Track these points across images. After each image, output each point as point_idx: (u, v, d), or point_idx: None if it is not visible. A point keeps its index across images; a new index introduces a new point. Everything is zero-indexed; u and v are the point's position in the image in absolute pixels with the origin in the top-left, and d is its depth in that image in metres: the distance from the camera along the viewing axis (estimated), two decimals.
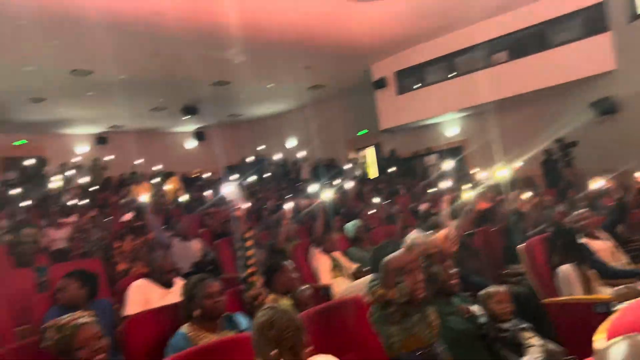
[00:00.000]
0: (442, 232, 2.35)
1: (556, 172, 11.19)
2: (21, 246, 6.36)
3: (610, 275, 3.65)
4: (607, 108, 11.22)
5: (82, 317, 2.06)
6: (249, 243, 3.04)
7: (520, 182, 10.86)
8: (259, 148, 17.94)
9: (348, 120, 17.04)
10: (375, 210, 8.43)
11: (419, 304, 2.37)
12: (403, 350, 2.24)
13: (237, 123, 19.54)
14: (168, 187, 11.84)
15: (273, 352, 1.71)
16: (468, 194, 3.27)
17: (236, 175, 14.14)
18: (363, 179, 14.55)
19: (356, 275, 5.31)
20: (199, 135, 19.59)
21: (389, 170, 14.56)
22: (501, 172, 5.35)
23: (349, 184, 10.85)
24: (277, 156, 17.71)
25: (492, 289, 2.93)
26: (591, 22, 11.54)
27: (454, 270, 2.77)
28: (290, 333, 1.77)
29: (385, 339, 2.28)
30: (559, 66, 11.50)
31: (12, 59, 10.03)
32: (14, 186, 12.64)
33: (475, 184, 5.10)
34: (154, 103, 15.08)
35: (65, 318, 2.05)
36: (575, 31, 11.91)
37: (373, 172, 16.93)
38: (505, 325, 2.69)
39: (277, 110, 18.65)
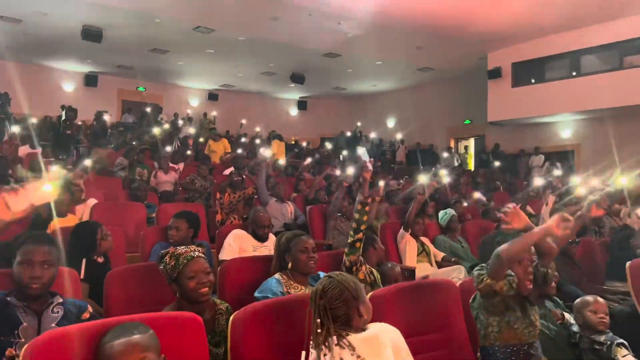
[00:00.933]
0: (554, 218, 2.25)
1: None
2: (135, 183, 7.02)
3: None
4: None
5: (197, 251, 2.26)
6: (367, 208, 3.12)
7: (634, 196, 10.01)
8: (358, 124, 17.98)
9: (453, 108, 16.52)
10: (470, 203, 8.19)
11: (523, 299, 2.34)
12: (498, 342, 2.23)
13: (340, 96, 19.68)
14: (271, 149, 12.26)
15: (317, 321, 1.76)
16: (583, 196, 3.06)
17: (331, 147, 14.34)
18: (461, 170, 14.13)
19: (441, 264, 5.27)
20: (302, 104, 20.03)
21: (491, 164, 13.99)
22: (620, 181, 4.97)
23: (447, 173, 10.58)
24: (375, 134, 17.65)
25: (589, 297, 2.80)
26: None
27: (555, 274, 2.66)
28: (340, 303, 1.80)
29: (483, 327, 2.27)
30: None
31: (144, 8, 10.76)
32: (132, 128, 13.81)
33: (590, 190, 4.76)
34: (265, 67, 15.58)
35: (182, 248, 2.26)
36: None
37: (472, 164, 16.37)
38: (601, 338, 2.56)
39: (381, 89, 18.50)
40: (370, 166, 3.20)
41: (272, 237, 4.30)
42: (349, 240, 3.24)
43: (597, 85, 11.84)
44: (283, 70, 15.67)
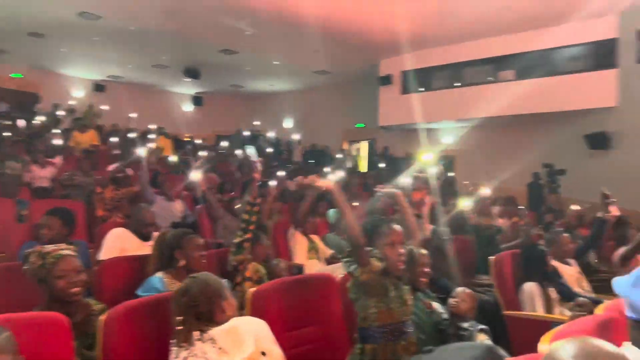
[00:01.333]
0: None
1: (540, 196, 11.38)
2: (5, 177, 6.38)
3: (571, 299, 3.79)
4: (600, 142, 11.42)
5: (66, 249, 2.12)
6: (256, 208, 3.12)
7: (503, 199, 11.05)
8: (255, 123, 17.91)
9: (347, 111, 17.07)
10: (358, 203, 8.51)
11: (397, 280, 2.47)
12: (376, 322, 2.34)
13: (238, 94, 19.46)
14: (157, 145, 11.76)
15: (178, 319, 1.83)
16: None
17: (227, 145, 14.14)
18: (353, 171, 14.63)
19: (330, 261, 5.42)
20: (197, 99, 19.49)
21: (380, 166, 14.65)
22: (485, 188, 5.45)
23: (339, 174, 10.91)
24: (271, 134, 17.70)
25: (459, 289, 3.06)
26: (600, 57, 11.68)
27: (427, 269, 2.87)
28: (202, 300, 1.87)
29: (362, 310, 2.37)
30: (562, 94, 11.64)
31: None
32: (3, 117, 12.53)
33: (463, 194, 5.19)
34: (158, 60, 14.96)
35: (50, 247, 2.11)
36: (583, 63, 12.05)
37: (364, 166, 17.02)
38: (465, 325, 2.81)
39: (279, 89, 18.61)
40: (259, 166, 3.23)
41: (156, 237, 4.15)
42: (235, 240, 3.23)
43: (476, 96, 12.90)
44: (177, 64, 15.16)
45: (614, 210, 4.55)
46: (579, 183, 11.20)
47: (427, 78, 14.37)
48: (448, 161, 14.47)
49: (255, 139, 16.73)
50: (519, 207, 9.71)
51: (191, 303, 1.86)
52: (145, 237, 4.09)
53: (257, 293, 2.27)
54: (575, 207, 8.81)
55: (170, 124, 16.02)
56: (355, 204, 8.43)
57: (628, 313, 1.38)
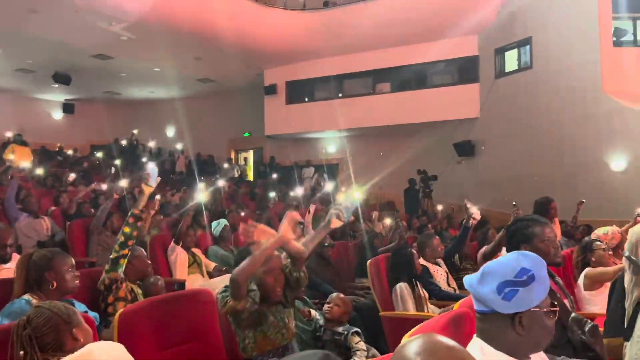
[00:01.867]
0: (284, 224, 2.44)
1: (416, 200, 12.16)
2: None
3: (440, 297, 4.10)
4: (466, 150, 12.51)
5: None
6: (140, 223, 2.93)
7: (382, 204, 11.65)
8: (134, 132, 17.01)
9: (233, 120, 16.90)
10: (244, 213, 8.45)
11: (273, 306, 2.44)
12: (256, 352, 2.31)
13: (114, 101, 18.35)
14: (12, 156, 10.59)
15: (20, 353, 1.71)
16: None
17: (101, 155, 13.31)
18: (240, 181, 14.51)
19: (213, 274, 5.30)
20: (68, 107, 18.05)
21: (268, 176, 14.71)
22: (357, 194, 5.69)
23: (224, 184, 10.76)
24: (153, 143, 16.95)
25: (334, 294, 3.15)
26: (465, 72, 12.85)
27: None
28: (48, 330, 1.76)
29: (241, 341, 2.33)
30: (433, 106, 12.59)
31: None
32: None
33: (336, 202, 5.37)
34: (22, 63, 13.63)
35: None
36: (451, 77, 13.18)
37: (251, 175, 16.95)
38: (339, 329, 2.90)
39: (160, 96, 17.88)
40: (151, 181, 3.05)
41: (17, 258, 3.76)
42: (111, 256, 3.03)
43: (357, 107, 13.48)
44: (44, 69, 13.92)
45: (477, 215, 4.97)
46: (449, 187, 12.16)
47: (311, 89, 14.74)
48: (332, 169, 14.94)
49: (133, 149, 15.91)
50: (396, 211, 10.32)
51: (34, 335, 1.71)
52: (2, 259, 3.69)
53: (124, 314, 2.15)
54: (440, 207, 9.55)
55: (37, 133, 14.66)
56: (242, 213, 8.36)
57: (475, 307, 1.51)
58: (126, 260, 3.06)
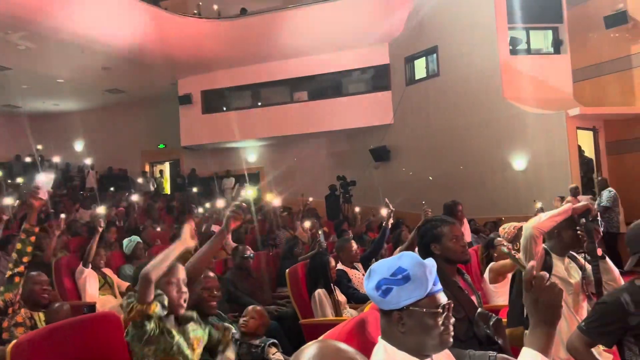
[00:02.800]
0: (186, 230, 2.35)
1: (337, 206, 12.34)
2: None
3: (358, 301, 4.17)
4: (382, 155, 12.91)
5: None
6: (32, 238, 2.68)
7: (304, 212, 11.70)
8: (38, 147, 15.86)
9: (147, 131, 16.26)
10: (160, 229, 8.15)
11: (179, 320, 2.32)
12: None
13: (14, 115, 16.99)
14: None
15: None
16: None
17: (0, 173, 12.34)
18: (156, 195, 13.97)
19: (125, 294, 5.04)
20: None
21: (187, 188, 14.30)
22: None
23: (138, 198, 10.30)
24: (59, 159, 15.90)
25: (249, 307, 3.10)
26: (378, 80, 13.28)
27: (218, 293, 2.81)
28: None
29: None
30: (349, 113, 12.89)
31: None
32: None
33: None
34: None
35: None
36: (365, 85, 13.58)
37: (168, 188, 16.38)
38: (256, 342, 2.86)
39: (66, 109, 16.84)
40: (41, 193, 2.80)
41: None
42: (6, 275, 2.78)
43: (275, 116, 13.49)
44: None
45: (387, 215, 5.13)
46: (367, 192, 12.47)
47: (228, 98, 14.56)
48: (253, 178, 14.82)
49: (36, 166, 14.83)
50: (319, 218, 10.40)
51: None
52: None
53: (17, 345, 1.98)
54: (357, 209, 9.75)
55: None
56: (158, 229, 8.04)
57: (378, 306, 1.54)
58: (22, 279, 2.83)
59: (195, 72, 13.87)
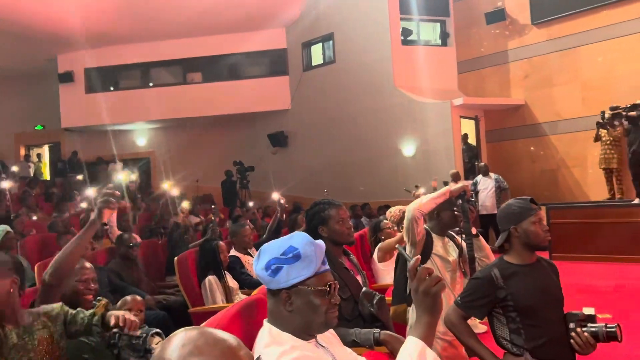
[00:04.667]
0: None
1: (233, 192, 12.13)
2: None
3: (251, 286, 4.10)
4: (280, 141, 12.88)
5: None
6: None
7: (200, 198, 11.38)
8: None
9: (21, 112, 14.68)
10: (36, 217, 7.45)
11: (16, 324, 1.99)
12: None
13: None
14: None
15: None
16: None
17: None
18: (32, 181, 12.74)
19: None
20: None
21: (68, 173, 13.20)
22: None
23: (11, 184, 9.32)
24: None
25: (127, 297, 2.92)
26: (275, 64, 13.18)
27: (95, 285, 2.60)
28: None
29: None
30: (246, 97, 12.65)
31: None
32: None
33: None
34: None
35: None
36: (262, 69, 13.40)
37: (47, 174, 15.04)
38: (137, 332, 2.69)
39: None
40: None
41: None
42: None
43: (167, 97, 12.87)
44: None
45: (280, 200, 5.13)
46: (266, 177, 12.39)
47: (114, 77, 13.64)
48: (144, 163, 14.10)
49: None
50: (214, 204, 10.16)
51: None
52: None
53: None
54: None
55: None
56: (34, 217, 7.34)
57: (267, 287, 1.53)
58: None
59: (77, 47, 12.76)
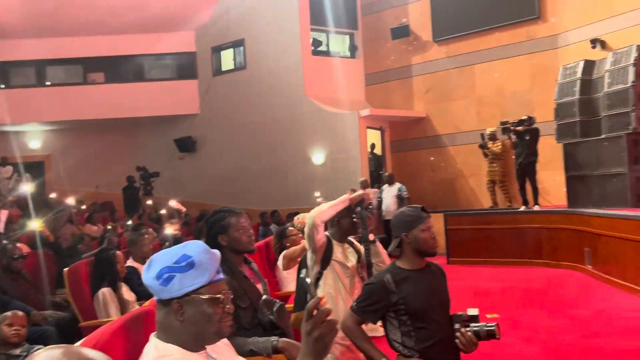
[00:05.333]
0: None
1: (135, 199, 11.60)
2: None
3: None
4: (188, 146, 12.54)
5: None
6: None
7: (99, 205, 10.76)
8: None
9: None
10: None
11: None
12: None
13: None
14: None
15: None
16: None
17: None
18: None
19: None
20: None
21: None
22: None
23: None
24: None
25: (8, 312, 2.69)
26: (183, 68, 12.84)
27: None
28: None
29: None
30: (152, 100, 12.17)
31: None
32: None
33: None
34: None
35: None
36: (170, 72, 13.00)
37: None
38: (17, 351, 2.49)
39: None
40: None
41: None
42: None
43: (65, 97, 12.04)
44: None
45: (177, 207, 4.99)
46: (172, 184, 11.99)
47: (5, 74, 12.55)
48: (38, 167, 13.10)
49: None
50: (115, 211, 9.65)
51: None
52: None
53: None
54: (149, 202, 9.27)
55: None
56: None
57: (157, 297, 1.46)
58: None
59: None
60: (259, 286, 2.58)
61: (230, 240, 2.39)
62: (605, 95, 6.81)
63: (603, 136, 6.82)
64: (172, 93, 12.48)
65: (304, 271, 2.69)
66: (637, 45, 6.69)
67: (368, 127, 10.76)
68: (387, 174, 9.85)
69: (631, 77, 6.46)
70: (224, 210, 2.52)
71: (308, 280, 2.47)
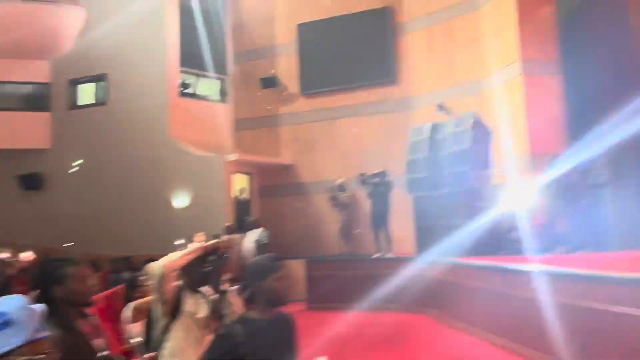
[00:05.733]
0: None
1: None
2: None
3: None
4: (34, 183, 11.34)
5: None
6: None
7: None
8: None
9: None
10: None
11: None
12: None
13: None
14: None
15: None
16: None
17: None
18: None
19: None
20: None
21: None
22: None
23: None
24: None
25: None
26: (35, 99, 11.76)
27: None
28: None
29: None
30: None
31: None
32: None
33: None
34: None
35: None
36: (18, 102, 11.83)
37: None
38: None
39: None
40: None
41: None
42: None
43: None
44: None
45: (28, 257, 4.51)
46: (11, 225, 10.69)
47: None
48: None
49: None
50: None
51: None
52: None
53: None
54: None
55: None
56: None
57: None
58: None
59: None
60: (99, 341, 2.39)
61: (67, 292, 2.20)
62: (448, 155, 7.64)
63: (445, 191, 7.59)
64: (19, 125, 11.35)
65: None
66: (473, 112, 7.68)
67: (237, 172, 10.74)
68: (251, 218, 9.84)
69: (467, 141, 7.35)
70: (60, 259, 2.34)
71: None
